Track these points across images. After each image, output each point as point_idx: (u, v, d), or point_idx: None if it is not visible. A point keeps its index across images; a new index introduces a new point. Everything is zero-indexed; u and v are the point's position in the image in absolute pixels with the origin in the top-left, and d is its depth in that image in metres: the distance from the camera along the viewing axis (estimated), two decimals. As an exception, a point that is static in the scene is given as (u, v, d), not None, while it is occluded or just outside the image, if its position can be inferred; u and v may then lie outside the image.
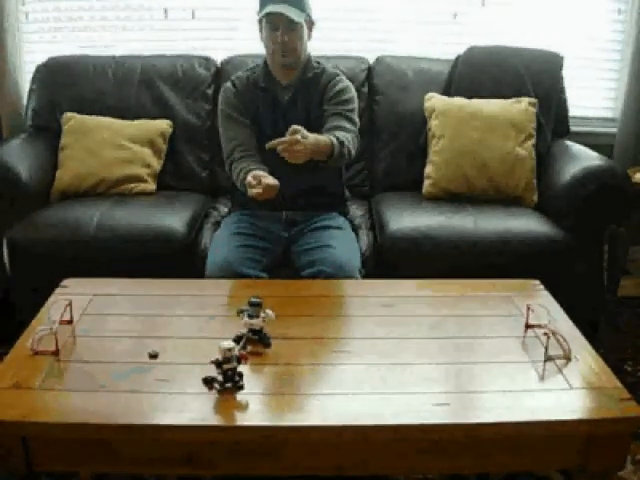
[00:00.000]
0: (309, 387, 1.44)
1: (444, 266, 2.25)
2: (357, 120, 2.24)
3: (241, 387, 1.36)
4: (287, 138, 1.87)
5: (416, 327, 1.66)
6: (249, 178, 1.97)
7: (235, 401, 1.35)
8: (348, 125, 2.18)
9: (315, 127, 2.16)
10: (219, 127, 2.31)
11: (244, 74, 2.31)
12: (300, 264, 2.10)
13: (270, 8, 2.11)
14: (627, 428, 1.35)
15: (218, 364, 1.35)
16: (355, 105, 2.26)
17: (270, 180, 1.94)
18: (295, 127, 1.90)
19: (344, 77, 2.31)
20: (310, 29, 2.23)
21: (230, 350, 1.35)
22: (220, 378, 1.36)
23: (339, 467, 1.36)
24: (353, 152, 2.14)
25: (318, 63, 2.30)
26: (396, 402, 1.36)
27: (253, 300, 1.52)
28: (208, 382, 1.38)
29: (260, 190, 1.92)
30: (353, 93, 2.28)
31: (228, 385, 1.36)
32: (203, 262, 2.13)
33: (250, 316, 1.52)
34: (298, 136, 1.87)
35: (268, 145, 1.89)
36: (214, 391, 1.36)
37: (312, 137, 1.95)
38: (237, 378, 1.36)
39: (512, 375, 1.47)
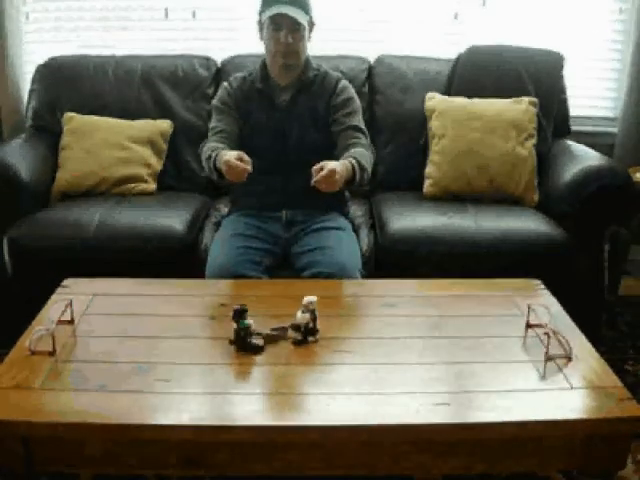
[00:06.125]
0: (309, 387, 1.44)
1: (444, 266, 2.25)
2: (366, 129, 2.28)
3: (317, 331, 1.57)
4: (326, 173, 1.90)
5: (416, 327, 1.66)
6: (238, 152, 1.98)
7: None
8: (363, 140, 2.22)
9: (322, 127, 2.21)
10: None
11: (242, 75, 2.32)
12: (300, 265, 2.10)
13: (276, 9, 2.11)
14: (628, 428, 1.34)
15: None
16: (361, 113, 2.31)
17: (249, 166, 1.95)
18: (320, 165, 1.92)
19: (346, 81, 2.32)
20: (311, 30, 2.24)
21: (312, 303, 1.54)
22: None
23: (339, 467, 1.36)
24: (370, 170, 2.18)
25: (317, 64, 2.30)
26: (396, 402, 1.36)
27: (238, 308, 1.52)
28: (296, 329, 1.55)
29: (248, 167, 1.93)
30: (358, 101, 2.31)
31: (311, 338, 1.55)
32: (203, 262, 2.13)
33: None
34: (330, 167, 1.91)
35: (313, 184, 1.92)
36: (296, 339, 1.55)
37: (340, 165, 1.98)
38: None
39: (513, 375, 1.46)
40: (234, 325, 1.51)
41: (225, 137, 2.21)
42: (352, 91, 2.31)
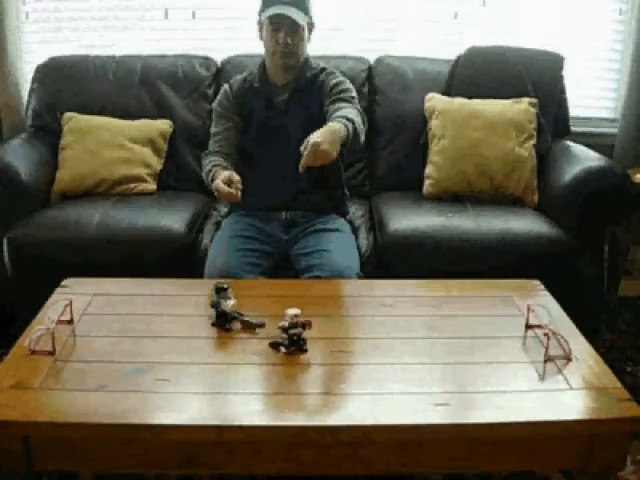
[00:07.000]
0: (308, 387, 1.44)
1: (444, 266, 2.25)
2: (358, 105, 2.21)
3: (305, 350, 1.49)
4: (309, 150, 1.83)
5: (416, 327, 1.66)
6: (227, 173, 2.01)
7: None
8: (349, 105, 2.15)
9: (319, 125, 2.17)
10: None
11: (242, 76, 2.33)
12: (300, 267, 2.10)
13: (275, 10, 2.11)
14: (627, 428, 1.34)
15: (285, 329, 1.48)
16: (355, 94, 2.25)
17: (239, 194, 1.98)
18: (306, 142, 1.86)
19: (333, 69, 2.31)
20: (310, 31, 2.24)
21: (296, 316, 1.47)
22: (286, 342, 1.49)
23: (339, 467, 1.36)
24: (363, 126, 2.09)
25: (316, 63, 2.30)
26: (396, 402, 1.36)
27: (219, 285, 1.61)
28: (275, 346, 1.50)
29: (235, 192, 1.97)
30: (351, 86, 2.27)
31: (293, 348, 1.49)
32: (203, 262, 2.13)
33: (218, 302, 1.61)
34: (312, 141, 1.84)
35: (301, 170, 1.86)
36: (281, 353, 1.50)
37: (321, 132, 1.89)
38: (302, 342, 1.49)
39: (512, 375, 1.46)
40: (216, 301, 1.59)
41: (225, 144, 2.26)
42: (339, 75, 2.28)
